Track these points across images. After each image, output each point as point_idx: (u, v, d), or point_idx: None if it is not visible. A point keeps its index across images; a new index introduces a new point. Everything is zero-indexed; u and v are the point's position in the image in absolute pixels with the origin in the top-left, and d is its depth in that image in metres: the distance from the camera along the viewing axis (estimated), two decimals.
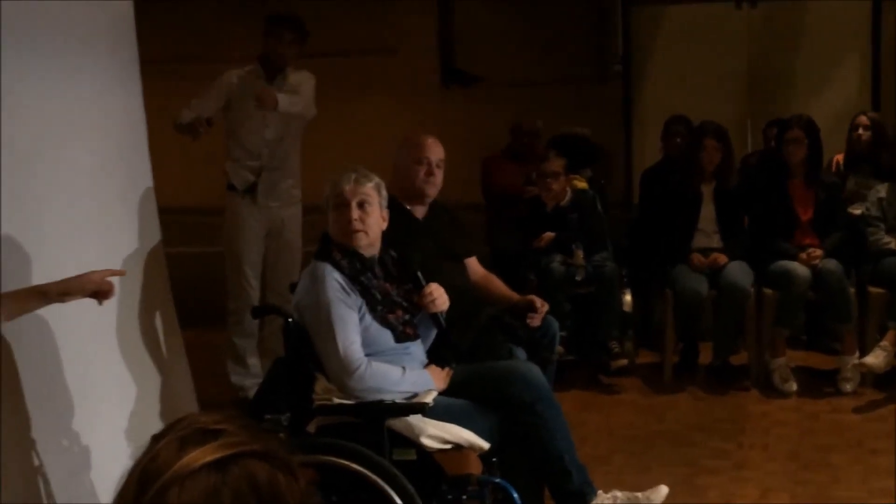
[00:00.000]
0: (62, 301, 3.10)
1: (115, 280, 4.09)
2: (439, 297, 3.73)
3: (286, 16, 5.86)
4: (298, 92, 5.73)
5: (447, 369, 3.79)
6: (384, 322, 3.62)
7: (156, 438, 1.29)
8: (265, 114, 5.63)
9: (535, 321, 4.35)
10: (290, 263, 5.82)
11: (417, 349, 3.76)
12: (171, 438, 1.27)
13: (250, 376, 5.75)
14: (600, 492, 3.87)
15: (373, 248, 3.69)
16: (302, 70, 5.88)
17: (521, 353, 4.25)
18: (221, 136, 5.85)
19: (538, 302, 4.37)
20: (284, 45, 5.69)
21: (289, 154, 5.79)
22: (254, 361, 5.79)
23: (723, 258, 6.02)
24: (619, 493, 3.92)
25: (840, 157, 6.66)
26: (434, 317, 3.75)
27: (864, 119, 6.62)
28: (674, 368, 6.22)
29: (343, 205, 3.62)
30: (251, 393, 5.56)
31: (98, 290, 3.13)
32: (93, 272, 3.11)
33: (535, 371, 3.84)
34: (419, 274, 3.75)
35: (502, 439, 3.71)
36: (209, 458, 1.23)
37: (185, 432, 1.27)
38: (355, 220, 3.61)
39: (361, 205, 3.64)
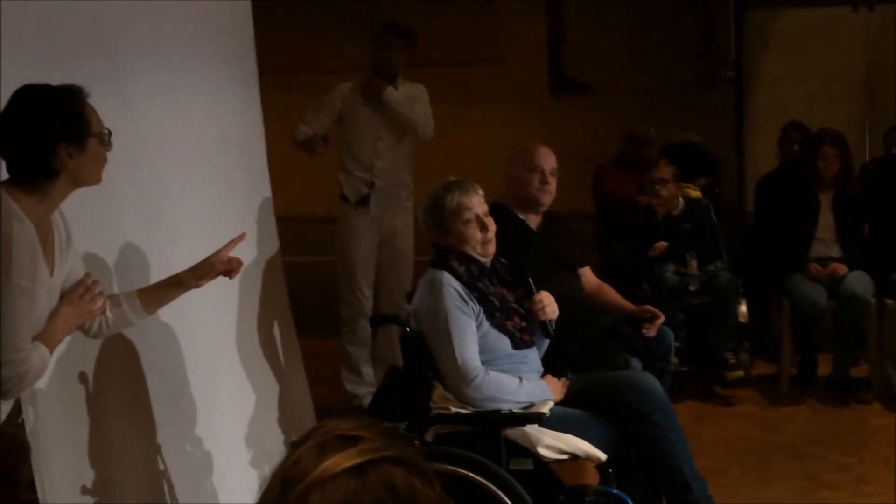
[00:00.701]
0: (198, 286, 3.18)
1: (234, 288, 4.21)
2: (549, 304, 3.73)
3: (396, 24, 5.91)
4: (415, 102, 5.78)
5: (563, 379, 3.79)
6: (502, 329, 3.63)
7: (295, 444, 1.33)
8: (378, 126, 5.69)
9: (650, 331, 4.32)
10: (403, 272, 5.86)
11: (533, 357, 3.76)
12: (312, 444, 1.31)
13: (364, 384, 5.80)
14: None
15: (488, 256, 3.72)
16: (415, 83, 5.91)
17: (636, 363, 4.22)
18: (336, 146, 5.92)
19: (653, 311, 4.34)
20: (395, 53, 5.73)
21: (401, 166, 5.83)
22: (367, 370, 5.84)
23: (842, 268, 5.89)
24: None
25: None
26: (543, 325, 3.74)
27: None
28: (791, 380, 6.10)
29: (475, 219, 3.66)
30: (365, 401, 5.64)
31: (227, 269, 3.20)
32: (217, 252, 3.19)
33: (652, 381, 3.82)
34: (530, 280, 3.75)
35: (619, 450, 3.68)
36: (349, 464, 1.26)
37: (324, 438, 1.31)
38: (490, 232, 3.67)
39: (486, 216, 3.69)
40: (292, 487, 1.27)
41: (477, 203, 3.68)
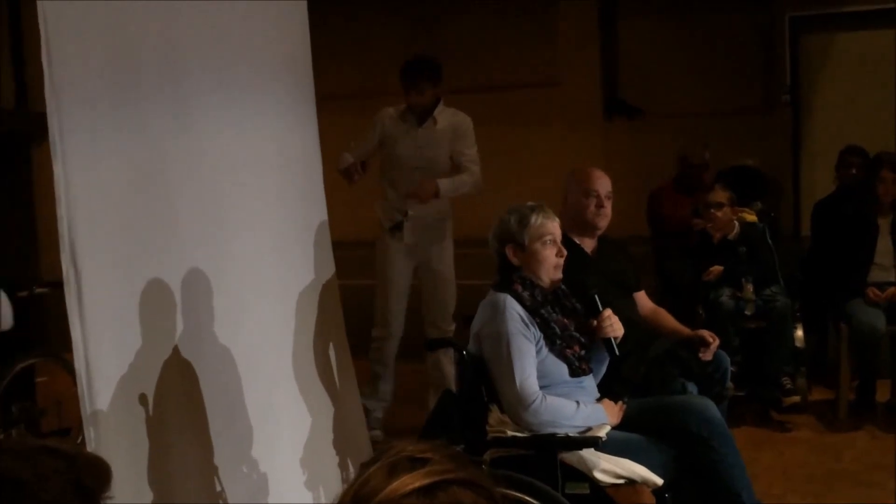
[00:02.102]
0: None
1: (292, 311, 4.25)
2: (616, 321, 3.74)
3: (417, 65, 5.79)
4: (456, 134, 5.75)
5: (620, 403, 3.78)
6: (562, 356, 3.64)
7: (365, 465, 1.35)
8: (416, 156, 5.69)
9: (706, 355, 4.30)
10: (446, 297, 5.88)
11: (590, 383, 3.76)
12: (381, 465, 1.32)
13: (378, 400, 5.90)
14: None
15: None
16: (458, 111, 5.84)
17: (692, 388, 4.20)
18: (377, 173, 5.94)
19: (710, 336, 4.32)
20: (423, 96, 5.71)
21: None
22: (385, 388, 5.91)
23: None
24: None
25: None
26: (608, 343, 3.73)
27: None
28: (849, 406, 6.02)
29: (553, 242, 3.71)
30: (376, 414, 5.80)
31: None
32: None
33: (710, 406, 3.80)
34: (596, 297, 3.76)
35: (676, 475, 3.66)
36: (417, 484, 1.28)
37: (394, 459, 1.33)
38: (563, 258, 3.73)
39: (560, 243, 3.76)
40: None
41: (555, 227, 3.74)
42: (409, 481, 1.29)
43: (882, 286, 5.91)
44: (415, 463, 1.32)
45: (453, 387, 5.90)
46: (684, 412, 3.75)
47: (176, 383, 3.52)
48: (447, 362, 5.84)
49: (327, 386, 4.52)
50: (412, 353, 5.99)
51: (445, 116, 5.80)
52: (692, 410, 3.75)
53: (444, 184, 5.64)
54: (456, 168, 5.80)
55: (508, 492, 3.36)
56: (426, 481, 1.29)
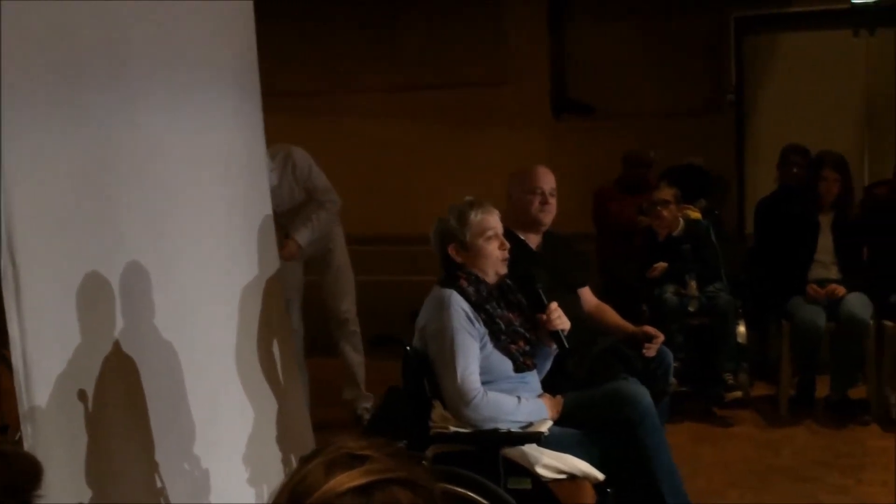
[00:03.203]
0: None
1: (235, 306, 4.23)
2: (563, 314, 3.76)
3: None
4: (308, 182, 5.69)
5: (559, 397, 3.80)
6: (506, 351, 3.65)
7: (304, 461, 1.33)
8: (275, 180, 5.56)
9: (650, 351, 4.33)
10: (346, 287, 5.98)
11: (533, 379, 3.77)
12: (320, 462, 1.31)
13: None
14: None
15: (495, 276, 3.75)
16: (284, 145, 5.66)
17: (635, 384, 4.22)
18: None
19: (653, 331, 4.36)
20: None
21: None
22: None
23: (841, 290, 5.90)
24: None
25: None
26: (556, 336, 3.75)
27: None
28: (790, 401, 6.10)
29: (495, 236, 3.72)
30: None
31: None
32: None
33: (639, 390, 3.82)
34: (541, 292, 3.78)
35: (616, 468, 3.69)
36: (354, 483, 1.27)
37: (332, 456, 1.31)
38: (506, 251, 3.74)
39: (502, 236, 3.76)
40: None
41: (496, 222, 3.75)
42: (346, 480, 1.28)
43: (822, 283, 5.99)
44: (353, 460, 1.31)
45: (359, 378, 5.99)
46: (615, 398, 3.79)
47: (117, 380, 3.49)
48: (350, 351, 5.90)
49: (271, 382, 4.50)
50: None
51: (279, 159, 5.62)
52: (622, 396, 3.80)
53: (304, 236, 5.61)
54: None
55: (451, 488, 3.38)
56: (363, 480, 1.28)
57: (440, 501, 1.33)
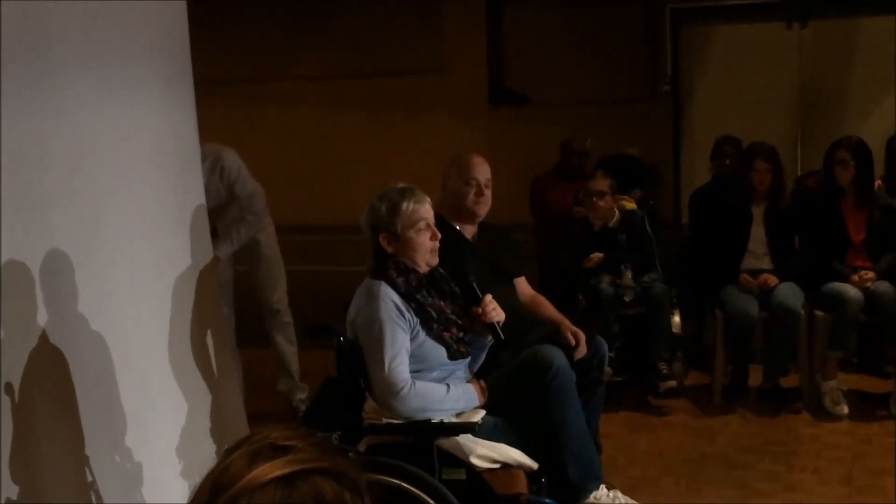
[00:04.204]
0: None
1: (167, 296, 4.18)
2: (497, 307, 3.76)
3: None
4: (235, 188, 5.65)
5: (482, 383, 3.80)
6: (439, 339, 3.65)
7: (228, 451, 1.32)
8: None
9: (577, 354, 4.28)
10: (277, 277, 5.96)
11: (464, 367, 3.77)
12: (243, 452, 1.30)
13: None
14: (603, 486, 3.86)
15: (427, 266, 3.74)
16: (219, 150, 5.60)
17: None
18: None
19: (571, 337, 4.27)
20: None
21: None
22: None
23: (773, 279, 5.98)
24: (620, 496, 3.91)
25: (879, 181, 6.55)
26: (492, 328, 3.75)
27: None
28: (724, 390, 6.17)
29: (427, 227, 3.69)
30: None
31: None
32: None
33: (553, 354, 3.84)
34: (475, 285, 3.77)
35: (548, 453, 3.73)
36: (277, 473, 1.26)
37: (256, 446, 1.30)
38: (437, 241, 3.72)
39: (434, 225, 3.75)
40: (220, 494, 1.26)
41: (428, 211, 3.72)
42: (269, 470, 1.26)
43: (755, 273, 6.05)
44: (277, 451, 1.30)
45: (293, 369, 5.98)
46: (530, 366, 3.83)
47: (45, 373, 3.43)
48: (283, 342, 5.89)
49: (204, 373, 4.46)
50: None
51: (207, 159, 5.45)
52: (536, 361, 3.83)
53: (223, 251, 5.54)
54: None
55: (382, 477, 3.37)
56: (287, 470, 1.26)
57: (366, 492, 1.33)
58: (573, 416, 3.81)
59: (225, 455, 1.33)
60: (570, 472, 3.80)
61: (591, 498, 3.83)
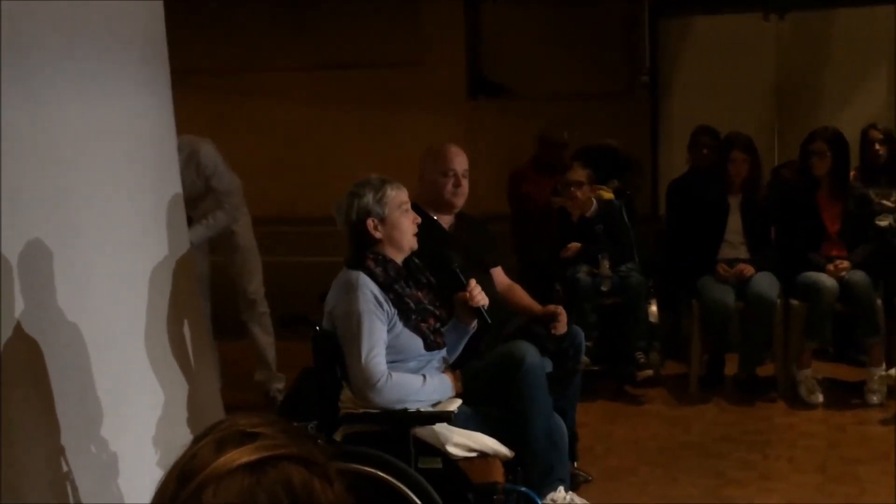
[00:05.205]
0: None
1: (144, 286, 4.17)
2: (481, 291, 3.78)
3: None
4: (211, 181, 5.65)
5: (457, 372, 3.81)
6: (416, 330, 3.65)
7: (196, 439, 1.31)
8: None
9: (559, 329, 4.36)
10: (253, 268, 5.96)
11: (440, 358, 3.78)
12: (210, 439, 1.29)
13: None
14: (561, 489, 3.88)
15: (404, 255, 3.74)
16: (196, 143, 5.59)
17: (547, 364, 4.26)
18: None
19: (556, 310, 4.39)
20: None
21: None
22: None
23: (749, 269, 6.01)
24: (577, 498, 3.93)
25: (854, 172, 6.60)
26: (478, 312, 3.76)
27: (877, 133, 6.63)
28: (700, 380, 6.20)
29: (409, 210, 3.74)
30: None
31: None
32: None
33: (526, 350, 3.85)
34: (459, 272, 3.79)
35: (523, 443, 3.74)
36: (245, 460, 1.25)
37: (223, 434, 1.29)
38: (416, 225, 3.76)
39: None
40: (188, 482, 1.25)
41: (407, 196, 3.76)
42: (237, 456, 1.25)
43: (732, 263, 6.08)
44: (245, 437, 1.28)
45: (269, 359, 5.98)
46: (504, 360, 3.84)
47: (19, 362, 3.41)
48: (259, 332, 5.88)
49: (181, 364, 4.45)
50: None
51: (183, 151, 5.38)
52: (510, 356, 3.84)
53: (197, 235, 5.50)
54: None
55: (359, 467, 3.37)
56: (255, 457, 1.25)
57: (336, 479, 1.32)
58: (538, 417, 3.82)
59: (192, 443, 1.32)
60: (529, 472, 3.81)
61: (548, 499, 3.85)
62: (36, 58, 3.55)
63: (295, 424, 3.25)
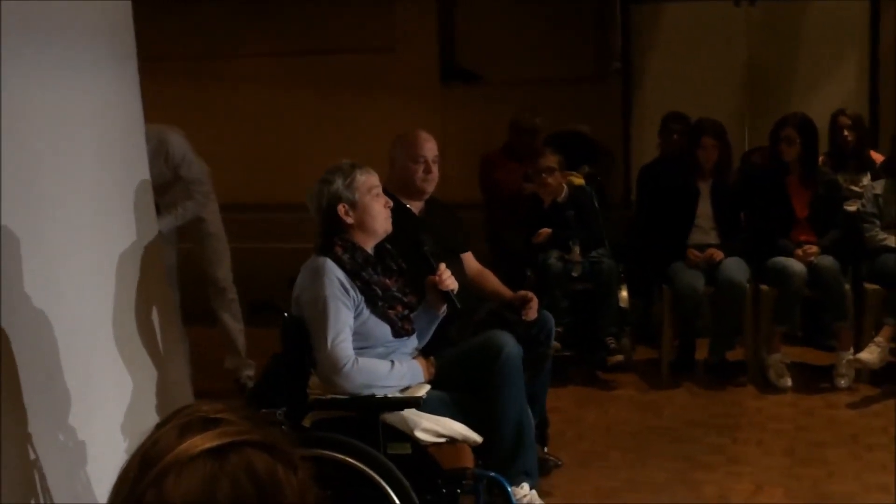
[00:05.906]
0: None
1: (112, 273, 4.14)
2: (450, 275, 3.79)
3: None
4: (180, 170, 5.61)
5: (431, 358, 3.82)
6: (384, 317, 3.65)
7: (159, 425, 1.31)
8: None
9: (530, 314, 4.37)
10: (222, 254, 5.96)
11: (412, 344, 3.78)
12: (173, 425, 1.29)
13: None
14: (525, 485, 3.89)
15: (377, 240, 3.74)
16: (164, 132, 5.53)
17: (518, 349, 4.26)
18: None
19: (526, 296, 4.40)
20: None
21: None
22: None
23: (719, 254, 6.04)
24: (536, 498, 3.95)
25: (823, 158, 6.64)
26: (448, 297, 3.77)
27: (846, 119, 6.66)
28: (671, 365, 6.23)
29: (380, 194, 3.74)
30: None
31: None
32: None
33: (504, 341, 3.86)
34: (430, 256, 3.80)
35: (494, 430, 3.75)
36: (207, 445, 1.24)
37: (186, 420, 1.29)
38: (389, 207, 3.76)
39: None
40: (149, 468, 1.25)
41: (378, 181, 3.78)
42: (199, 442, 1.25)
43: (702, 248, 6.11)
44: (207, 423, 1.28)
45: (239, 346, 5.98)
46: (483, 350, 3.86)
47: None
48: (228, 319, 5.88)
49: (150, 350, 4.42)
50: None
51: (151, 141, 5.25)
52: (489, 346, 3.85)
53: (166, 223, 5.41)
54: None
55: (328, 453, 3.36)
56: (217, 442, 1.25)
57: (300, 465, 1.32)
58: (511, 407, 3.83)
59: (155, 429, 1.31)
60: (497, 459, 3.82)
61: (511, 490, 3.86)
62: (2, 46, 3.51)
63: (264, 411, 3.25)
